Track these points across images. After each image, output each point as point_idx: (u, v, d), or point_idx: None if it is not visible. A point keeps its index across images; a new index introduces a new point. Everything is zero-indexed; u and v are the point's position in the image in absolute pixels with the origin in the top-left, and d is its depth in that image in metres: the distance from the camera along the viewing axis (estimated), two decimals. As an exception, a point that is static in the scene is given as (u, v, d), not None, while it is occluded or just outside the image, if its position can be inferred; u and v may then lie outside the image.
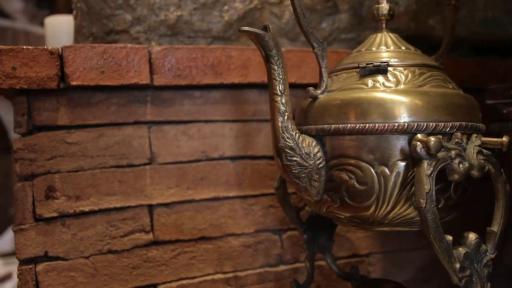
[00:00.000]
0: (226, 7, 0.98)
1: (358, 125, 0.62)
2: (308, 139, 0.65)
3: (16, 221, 0.80)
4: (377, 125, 0.61)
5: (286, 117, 0.63)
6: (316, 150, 0.66)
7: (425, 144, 0.57)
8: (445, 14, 1.10)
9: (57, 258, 0.82)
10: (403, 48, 0.71)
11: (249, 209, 0.93)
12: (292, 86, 0.92)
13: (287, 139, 0.63)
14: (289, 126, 0.63)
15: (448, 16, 0.83)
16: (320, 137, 0.66)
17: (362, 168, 0.63)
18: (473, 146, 0.62)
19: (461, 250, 0.59)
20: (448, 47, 0.81)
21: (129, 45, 0.83)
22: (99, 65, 0.81)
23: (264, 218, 0.94)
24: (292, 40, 1.03)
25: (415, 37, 1.07)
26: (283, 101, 0.64)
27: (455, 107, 0.64)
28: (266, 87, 0.93)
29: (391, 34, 0.74)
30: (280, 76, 0.64)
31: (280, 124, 0.63)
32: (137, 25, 0.94)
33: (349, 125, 0.63)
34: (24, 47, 0.77)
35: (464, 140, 0.62)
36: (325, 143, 0.66)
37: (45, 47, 0.78)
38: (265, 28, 0.64)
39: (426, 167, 0.57)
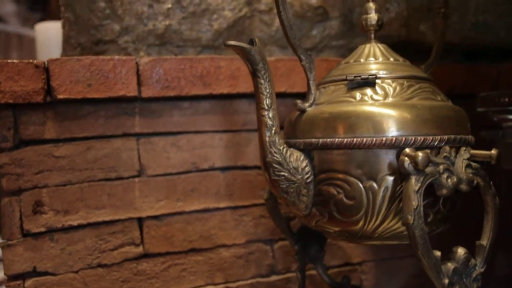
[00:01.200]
0: (215, 16, 0.97)
1: (346, 139, 0.62)
2: (296, 153, 0.65)
3: (3, 237, 0.79)
4: (365, 139, 0.61)
5: (273, 132, 0.63)
6: (304, 164, 0.65)
7: (413, 160, 0.57)
8: (435, 22, 1.09)
9: (45, 273, 0.81)
10: (391, 59, 0.70)
11: (240, 220, 0.92)
12: (282, 95, 0.92)
13: (275, 154, 0.63)
14: (277, 141, 0.63)
15: (438, 24, 0.82)
16: (308, 151, 0.66)
17: (350, 182, 0.63)
18: (461, 159, 0.61)
19: (450, 266, 0.59)
20: (438, 55, 0.81)
21: (116, 57, 0.82)
22: (86, 78, 0.80)
23: (255, 228, 0.93)
24: (282, 48, 1.02)
25: (406, 43, 1.06)
26: (270, 115, 0.63)
27: (443, 119, 0.63)
28: (256, 97, 0.93)
29: (379, 45, 0.73)
30: (267, 90, 0.63)
31: (267, 138, 0.62)
32: (125, 35, 0.93)
33: (337, 139, 0.62)
34: (9, 60, 0.76)
35: (453, 154, 0.61)
36: (314, 157, 0.65)
37: (30, 60, 0.77)
38: (251, 42, 0.63)
39: (414, 183, 0.57)
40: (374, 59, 0.70)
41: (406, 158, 0.57)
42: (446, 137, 0.61)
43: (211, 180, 0.90)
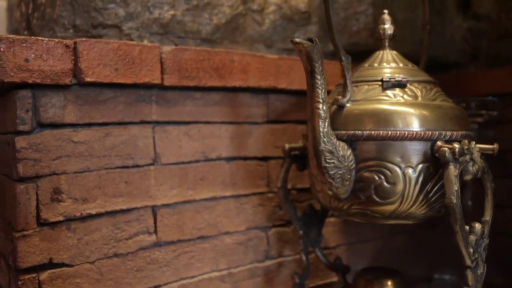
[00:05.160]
0: (215, 10, 1.00)
1: (390, 132, 0.71)
2: (342, 143, 0.73)
3: (17, 227, 0.73)
4: (406, 132, 0.71)
5: (327, 123, 0.69)
6: (348, 153, 0.73)
7: (452, 150, 0.69)
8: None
9: (62, 265, 0.76)
10: (409, 65, 0.82)
11: (242, 208, 0.96)
12: (283, 91, 0.99)
13: (327, 143, 0.70)
14: (329, 131, 0.70)
15: (424, 38, 0.96)
16: (350, 141, 0.74)
17: (391, 169, 0.72)
18: (476, 151, 0.75)
19: (472, 238, 0.72)
20: (425, 65, 0.95)
21: (142, 43, 0.81)
22: (113, 62, 0.78)
23: (254, 216, 0.98)
24: (268, 47, 1.09)
25: (372, 52, 1.20)
26: (324, 108, 0.69)
27: (459, 118, 0.76)
28: (260, 91, 0.98)
29: (393, 52, 0.84)
30: (323, 86, 0.69)
31: (321, 129, 0.69)
32: (130, 21, 0.91)
33: (381, 132, 0.72)
34: (39, 38, 0.71)
35: (470, 146, 0.74)
36: (356, 147, 0.74)
37: (59, 39, 0.73)
38: (311, 40, 0.68)
39: (453, 169, 0.69)
40: (396, 64, 0.81)
41: (447, 149, 0.69)
42: (464, 132, 0.75)
43: (218, 170, 0.93)
